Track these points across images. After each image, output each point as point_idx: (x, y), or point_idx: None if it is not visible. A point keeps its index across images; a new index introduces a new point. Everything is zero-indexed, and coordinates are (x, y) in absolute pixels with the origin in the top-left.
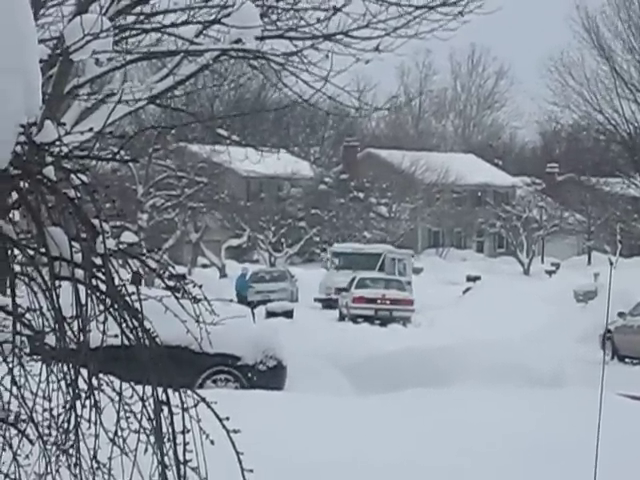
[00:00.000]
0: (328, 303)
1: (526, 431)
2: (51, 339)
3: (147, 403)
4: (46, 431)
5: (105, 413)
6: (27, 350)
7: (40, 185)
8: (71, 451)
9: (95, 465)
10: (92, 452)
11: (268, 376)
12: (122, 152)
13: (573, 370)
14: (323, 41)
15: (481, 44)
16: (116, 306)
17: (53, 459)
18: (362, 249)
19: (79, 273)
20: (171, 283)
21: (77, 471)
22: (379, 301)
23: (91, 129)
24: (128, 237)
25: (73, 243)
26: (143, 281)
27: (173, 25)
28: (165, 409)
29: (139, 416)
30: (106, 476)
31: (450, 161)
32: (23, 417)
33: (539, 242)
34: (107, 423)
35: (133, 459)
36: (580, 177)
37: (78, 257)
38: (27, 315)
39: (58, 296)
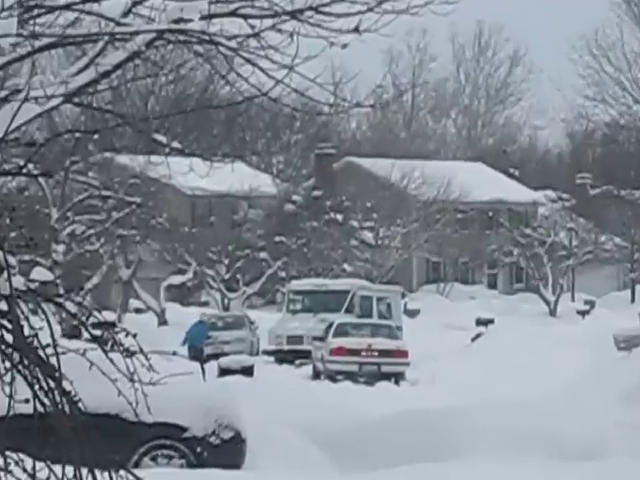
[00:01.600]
0: (279, 356)
1: None
2: None
3: None
4: None
5: None
6: None
7: None
8: None
9: None
10: None
11: (223, 451)
12: (31, 165)
13: (616, 437)
14: (287, 20)
15: (490, 22)
16: (26, 362)
17: None
18: (324, 285)
19: None
20: (97, 332)
21: None
22: (364, 353)
23: None
24: (40, 274)
25: None
26: (60, 330)
27: (94, 0)
28: None
29: None
30: None
31: (453, 172)
32: None
33: (568, 274)
34: None
35: None
36: (619, 190)
37: None
38: None
39: None
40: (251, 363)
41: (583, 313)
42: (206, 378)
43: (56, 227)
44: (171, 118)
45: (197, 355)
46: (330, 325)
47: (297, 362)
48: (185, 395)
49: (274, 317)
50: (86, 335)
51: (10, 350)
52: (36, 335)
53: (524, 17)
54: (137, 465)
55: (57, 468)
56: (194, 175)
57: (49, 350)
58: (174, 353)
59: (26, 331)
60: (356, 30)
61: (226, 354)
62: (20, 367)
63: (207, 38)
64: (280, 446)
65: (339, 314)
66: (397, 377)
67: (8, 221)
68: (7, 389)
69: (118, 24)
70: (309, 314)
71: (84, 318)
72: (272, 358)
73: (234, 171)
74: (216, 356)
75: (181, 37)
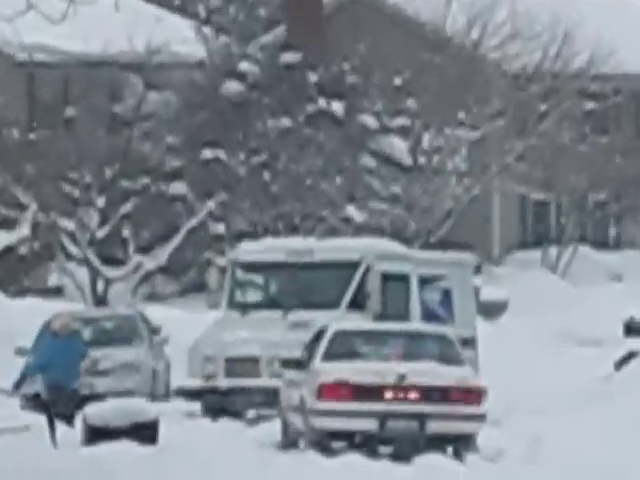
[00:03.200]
0: (210, 401)
1: None
2: None
3: None
4: None
5: None
6: None
7: None
8: None
9: None
10: None
11: None
12: None
13: None
14: None
15: None
16: None
17: None
18: (307, 252)
19: None
20: None
21: None
22: (391, 394)
23: None
24: None
25: None
26: None
27: None
28: None
29: None
30: None
31: (576, 10)
32: None
33: None
34: None
35: None
36: None
37: None
38: None
39: None
40: (153, 416)
41: None
42: (57, 444)
43: None
44: None
45: (56, 401)
46: (319, 334)
47: (249, 413)
48: None
49: (202, 319)
50: None
51: None
52: None
53: None
54: None
55: None
56: (34, 22)
57: None
58: None
59: None
60: None
61: (101, 396)
62: None
63: None
64: None
65: (336, 311)
66: (460, 445)
67: None
68: None
69: None
70: (274, 312)
71: None
72: (197, 404)
73: (119, 10)
74: (81, 401)
75: None
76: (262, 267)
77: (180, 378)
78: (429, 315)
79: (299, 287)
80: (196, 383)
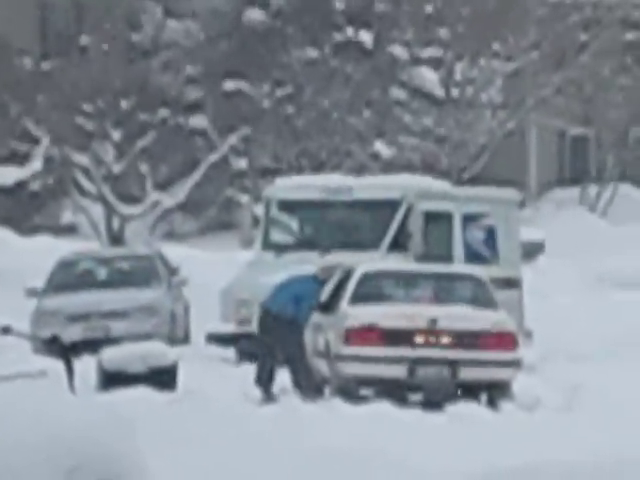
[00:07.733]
0: (243, 347)
1: None
2: None
3: None
4: None
5: None
6: None
7: None
8: None
9: None
10: None
11: None
12: None
13: None
14: None
15: None
16: None
17: None
18: (346, 190)
19: None
20: None
21: None
22: (421, 338)
23: None
24: None
25: None
26: None
27: None
28: None
29: None
30: None
31: None
32: None
33: None
34: None
35: None
36: None
37: None
38: None
39: None
40: (171, 361)
41: None
42: (74, 389)
43: None
44: None
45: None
46: (346, 276)
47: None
48: (21, 436)
49: (231, 260)
50: None
51: None
52: None
53: None
54: None
55: None
56: None
57: None
58: (5, 330)
59: None
60: None
61: (115, 340)
62: None
63: None
64: None
65: (377, 253)
66: (494, 393)
67: None
68: None
69: None
70: (310, 253)
71: None
72: (230, 350)
73: None
74: (93, 344)
75: None
76: (299, 205)
77: (199, 321)
78: (473, 255)
79: (337, 227)
80: (229, 328)
